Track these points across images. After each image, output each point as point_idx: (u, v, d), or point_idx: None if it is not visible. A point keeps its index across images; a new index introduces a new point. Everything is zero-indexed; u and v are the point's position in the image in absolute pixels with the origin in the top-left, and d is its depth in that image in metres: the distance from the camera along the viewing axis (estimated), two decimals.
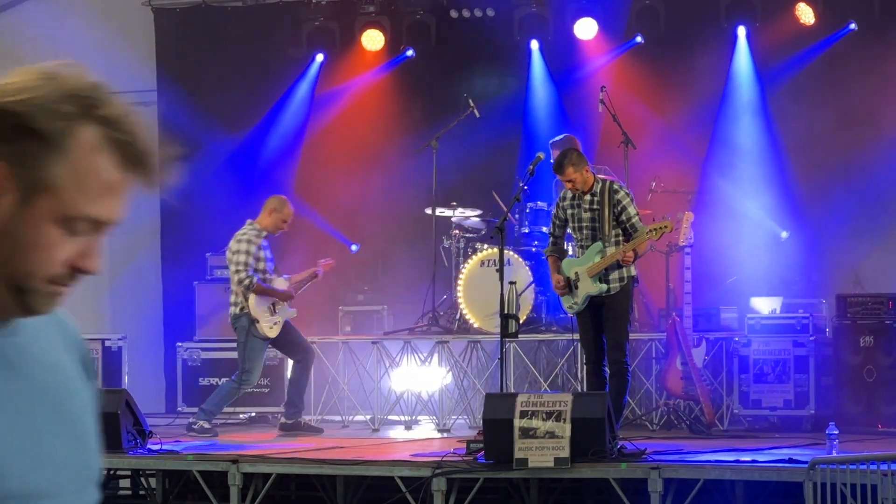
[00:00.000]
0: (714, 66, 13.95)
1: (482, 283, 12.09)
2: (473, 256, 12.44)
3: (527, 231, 12.44)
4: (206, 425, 11.36)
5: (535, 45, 14.54)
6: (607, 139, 13.16)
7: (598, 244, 9.92)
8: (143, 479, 10.40)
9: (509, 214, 10.81)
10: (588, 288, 9.92)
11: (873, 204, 13.24)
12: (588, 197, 9.96)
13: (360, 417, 12.80)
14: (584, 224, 9.99)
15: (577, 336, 10.47)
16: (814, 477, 7.54)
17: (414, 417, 12.55)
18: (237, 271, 11.29)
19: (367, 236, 14.61)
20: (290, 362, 12.11)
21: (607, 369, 9.86)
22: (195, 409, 11.88)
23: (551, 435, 8.80)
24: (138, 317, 15.24)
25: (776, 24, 13.94)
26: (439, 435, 11.76)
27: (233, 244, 11.39)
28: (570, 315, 10.49)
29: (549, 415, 8.84)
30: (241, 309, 11.35)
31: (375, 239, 14.52)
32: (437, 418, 12.33)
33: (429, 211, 12.96)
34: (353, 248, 14.39)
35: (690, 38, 14.13)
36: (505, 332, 10.09)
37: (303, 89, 15.08)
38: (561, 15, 14.56)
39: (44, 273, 1.94)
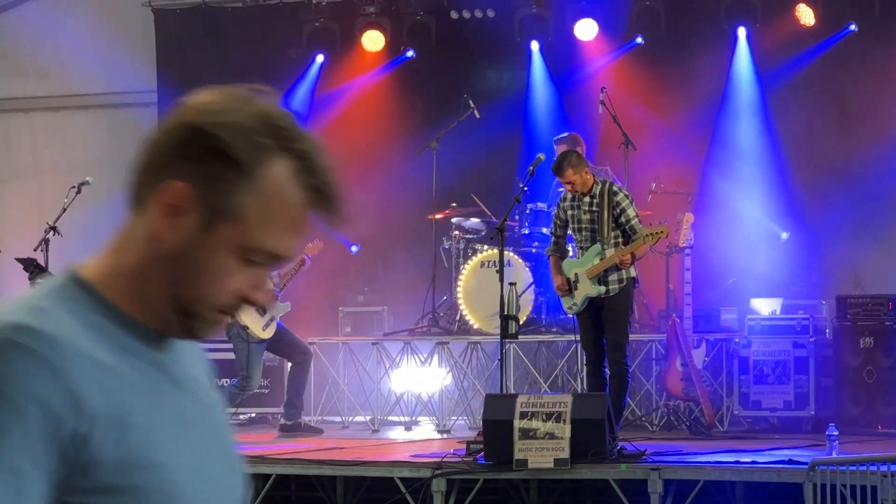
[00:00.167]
0: (714, 66, 13.94)
1: (482, 284, 12.09)
2: (473, 257, 12.45)
3: (527, 232, 12.43)
4: None
5: (535, 45, 14.54)
6: (607, 140, 13.16)
7: (597, 246, 9.92)
8: None
9: (508, 215, 10.81)
10: (587, 289, 9.92)
11: (873, 205, 13.23)
12: (587, 199, 9.96)
13: (359, 418, 12.80)
14: (584, 226, 9.99)
15: (577, 337, 10.47)
16: (814, 478, 7.54)
17: (414, 418, 12.55)
18: None
19: (367, 237, 14.60)
20: (289, 363, 12.12)
21: (607, 370, 9.86)
22: None
23: (551, 436, 8.80)
24: None
25: (776, 25, 13.93)
26: (439, 436, 11.76)
27: None
28: (569, 315, 10.49)
29: (548, 416, 8.84)
30: None
31: (375, 240, 14.51)
32: (437, 419, 12.33)
33: (439, 216, 12.94)
34: (353, 248, 14.38)
35: (690, 39, 14.12)
36: (505, 333, 10.09)
37: (303, 90, 15.07)
38: (561, 16, 14.55)
39: (213, 300, 1.91)
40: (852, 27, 13.61)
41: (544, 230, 11.78)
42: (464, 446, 9.56)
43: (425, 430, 12.30)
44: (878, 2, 13.68)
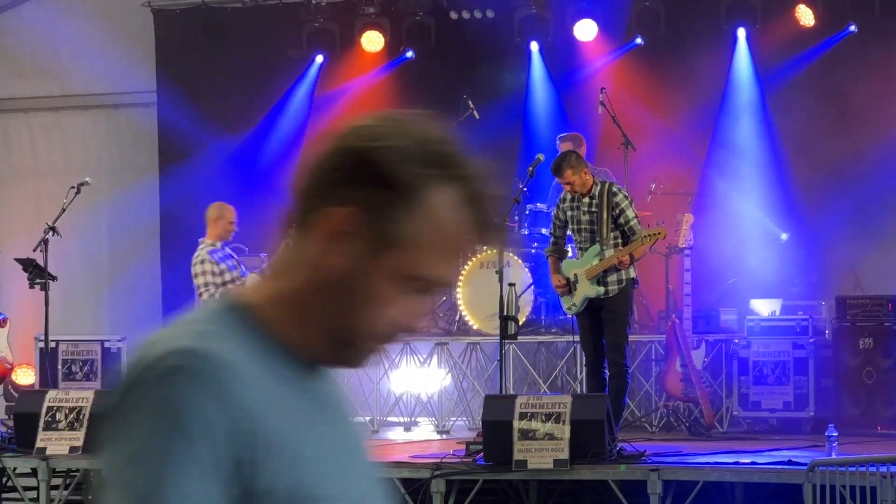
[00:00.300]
0: (714, 67, 13.94)
1: (482, 284, 12.08)
2: (473, 258, 12.44)
3: (526, 233, 12.43)
4: None
5: (534, 46, 14.53)
6: (607, 141, 13.16)
7: (596, 247, 9.91)
8: None
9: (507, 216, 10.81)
10: (586, 290, 9.92)
11: (873, 206, 13.23)
12: (587, 199, 9.96)
13: (358, 419, 12.76)
14: (583, 226, 9.99)
15: (576, 338, 10.47)
16: (813, 479, 7.54)
17: (413, 419, 12.55)
18: (201, 294, 11.29)
19: None
20: None
21: (607, 371, 9.86)
22: None
23: (550, 436, 8.79)
24: (137, 318, 15.22)
25: (776, 26, 13.93)
26: (438, 436, 11.76)
27: (193, 269, 11.36)
28: (569, 316, 10.49)
29: (548, 416, 8.83)
30: None
31: None
32: (437, 420, 12.33)
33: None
34: None
35: (690, 40, 14.11)
36: (504, 334, 10.08)
37: (302, 90, 15.07)
38: (561, 16, 14.54)
39: (370, 329, 1.86)
40: (852, 28, 13.60)
41: (543, 231, 11.78)
42: (463, 447, 9.55)
43: (424, 430, 12.29)
44: (878, 2, 13.68)
